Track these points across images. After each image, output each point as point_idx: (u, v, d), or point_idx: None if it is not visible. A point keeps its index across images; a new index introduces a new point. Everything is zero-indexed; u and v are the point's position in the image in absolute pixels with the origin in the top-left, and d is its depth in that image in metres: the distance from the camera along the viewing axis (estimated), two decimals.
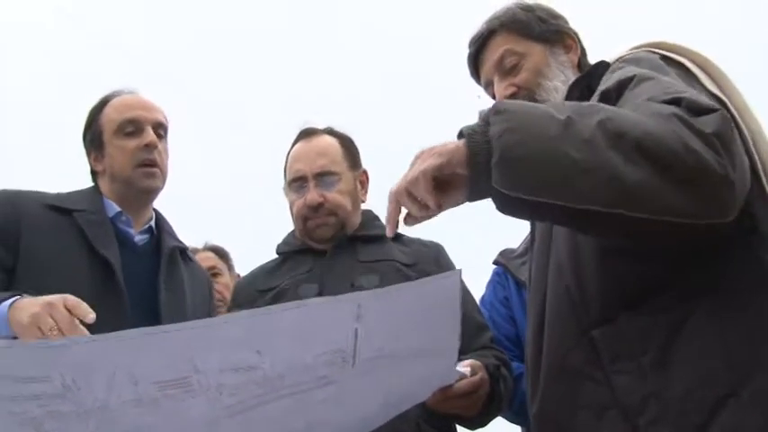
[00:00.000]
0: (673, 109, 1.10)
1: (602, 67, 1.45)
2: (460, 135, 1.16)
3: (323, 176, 1.97)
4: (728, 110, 1.23)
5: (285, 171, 2.07)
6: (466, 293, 1.97)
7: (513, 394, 1.80)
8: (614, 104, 1.22)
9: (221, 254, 3.06)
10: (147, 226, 1.92)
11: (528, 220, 1.50)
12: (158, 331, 1.02)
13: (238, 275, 2.96)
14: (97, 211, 1.84)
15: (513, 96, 1.58)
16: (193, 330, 1.04)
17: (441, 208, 1.19)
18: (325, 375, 1.08)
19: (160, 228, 1.95)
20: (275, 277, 1.97)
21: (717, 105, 1.12)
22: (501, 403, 1.71)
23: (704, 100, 1.13)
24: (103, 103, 1.95)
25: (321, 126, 2.09)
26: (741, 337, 1.15)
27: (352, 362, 1.09)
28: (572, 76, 1.56)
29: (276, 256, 2.09)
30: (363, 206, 2.11)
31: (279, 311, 1.06)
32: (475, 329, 1.86)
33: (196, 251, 3.02)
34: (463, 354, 1.82)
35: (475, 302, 1.99)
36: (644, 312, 1.20)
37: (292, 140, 2.09)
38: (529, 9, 1.63)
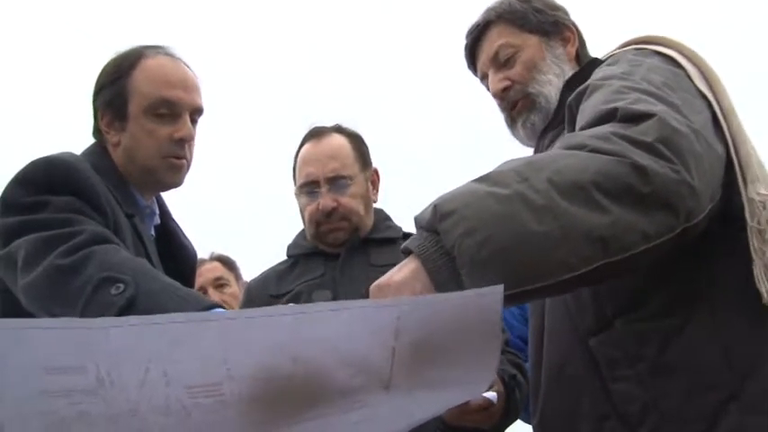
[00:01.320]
0: (609, 128, 1.04)
1: (595, 64, 1.43)
2: (407, 252, 1.04)
3: (335, 180, 1.94)
4: (714, 110, 1.20)
5: (294, 173, 2.04)
6: None
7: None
8: (575, 116, 1.20)
9: (228, 264, 3.04)
10: (155, 215, 1.70)
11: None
12: (198, 319, 0.96)
13: (245, 284, 2.95)
14: (138, 212, 1.60)
15: (506, 90, 1.57)
16: (232, 322, 0.95)
17: None
18: (360, 399, 1.01)
19: (164, 213, 1.73)
20: (287, 281, 1.95)
21: (652, 109, 1.05)
22: (518, 411, 1.70)
23: (638, 106, 1.07)
24: (135, 60, 1.62)
25: (329, 124, 2.06)
26: (739, 337, 1.13)
27: (387, 386, 1.02)
28: (568, 69, 1.55)
29: (286, 257, 2.07)
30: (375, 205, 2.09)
31: (318, 312, 0.99)
32: None
33: (203, 261, 3.02)
34: None
35: None
36: (639, 318, 1.18)
37: (300, 141, 2.05)
38: (526, 0, 1.61)
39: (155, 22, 5.71)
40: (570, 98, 1.26)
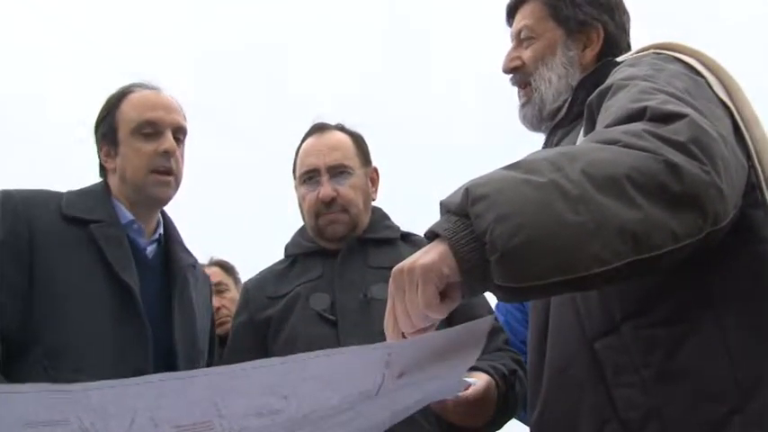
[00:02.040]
0: (641, 125, 1.03)
1: (610, 65, 1.43)
2: (432, 237, 1.02)
3: (336, 169, 1.94)
4: (735, 120, 1.19)
5: (295, 166, 2.04)
6: (480, 296, 1.95)
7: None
8: (595, 115, 1.19)
9: (227, 268, 3.05)
10: (157, 235, 1.83)
11: (532, 300, 1.41)
12: (184, 377, 0.96)
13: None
14: (113, 222, 1.73)
15: (515, 70, 1.58)
16: (221, 375, 0.97)
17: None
18: (348, 408, 1.06)
19: (169, 237, 1.86)
20: (285, 282, 1.93)
21: (683, 110, 1.05)
22: (516, 407, 1.70)
23: (668, 106, 1.06)
24: (122, 95, 1.83)
25: (332, 123, 2.07)
26: (745, 349, 1.11)
27: (375, 394, 1.06)
28: (576, 73, 1.54)
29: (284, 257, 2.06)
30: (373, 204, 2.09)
31: (311, 359, 1.00)
32: (490, 332, 1.84)
33: (202, 266, 3.01)
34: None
35: (488, 304, 1.96)
36: (646, 324, 1.17)
37: (302, 137, 2.06)
38: None
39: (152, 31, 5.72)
40: (591, 96, 1.25)
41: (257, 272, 2.09)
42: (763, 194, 1.16)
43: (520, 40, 1.60)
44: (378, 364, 1.01)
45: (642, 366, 1.16)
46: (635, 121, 1.06)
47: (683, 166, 0.97)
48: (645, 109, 1.06)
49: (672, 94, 1.11)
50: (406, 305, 1.04)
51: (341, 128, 2.05)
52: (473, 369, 1.51)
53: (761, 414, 1.08)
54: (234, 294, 2.89)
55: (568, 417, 1.24)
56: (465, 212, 0.97)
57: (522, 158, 1.03)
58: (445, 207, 1.02)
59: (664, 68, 1.25)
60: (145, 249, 1.78)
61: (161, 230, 1.85)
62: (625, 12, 1.63)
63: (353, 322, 1.79)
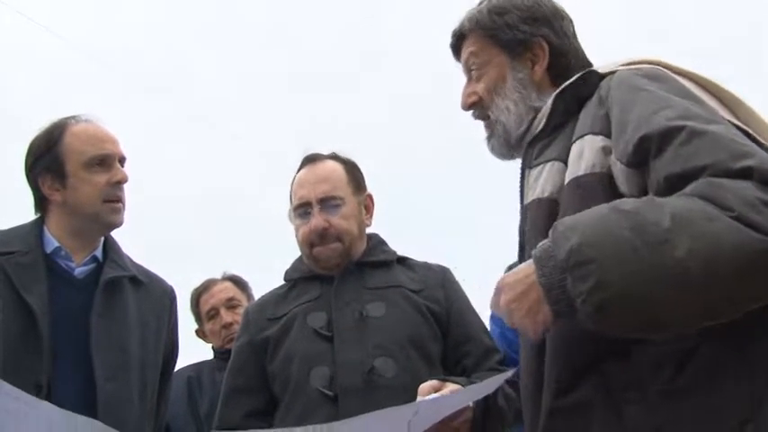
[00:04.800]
0: (754, 192, 1.02)
1: (593, 76, 1.40)
2: (540, 276, 1.13)
3: (326, 201, 1.99)
4: (758, 142, 1.18)
5: (290, 198, 2.10)
6: (473, 315, 2.00)
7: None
8: (654, 152, 1.16)
9: (240, 284, 3.08)
10: (90, 255, 1.96)
11: None
12: None
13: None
14: (30, 250, 1.88)
15: (474, 105, 1.58)
16: None
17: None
18: None
19: (106, 257, 1.98)
20: (284, 305, 2.00)
21: None
22: (502, 419, 1.71)
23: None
24: (62, 128, 1.95)
25: (326, 152, 2.11)
26: (756, 360, 1.11)
27: None
28: (531, 93, 1.52)
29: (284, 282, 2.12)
30: (369, 230, 2.12)
31: (348, 421, 1.22)
32: (483, 352, 1.90)
33: (215, 281, 3.08)
34: (471, 373, 1.82)
35: (483, 324, 2.01)
36: (655, 342, 1.15)
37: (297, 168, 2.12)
38: (501, 12, 1.56)
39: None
40: (648, 131, 1.17)
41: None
42: None
43: (471, 74, 1.59)
44: (402, 421, 1.19)
45: (651, 382, 1.15)
46: (737, 177, 1.05)
47: None
48: (750, 169, 1.04)
49: (746, 138, 1.13)
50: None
51: (333, 156, 2.09)
52: (453, 382, 1.57)
53: None
54: None
55: None
56: (564, 267, 1.08)
57: (637, 212, 1.08)
58: (541, 256, 1.13)
59: (692, 96, 1.24)
60: (73, 271, 1.92)
61: (97, 252, 1.97)
62: (563, 17, 1.59)
63: (349, 338, 1.85)
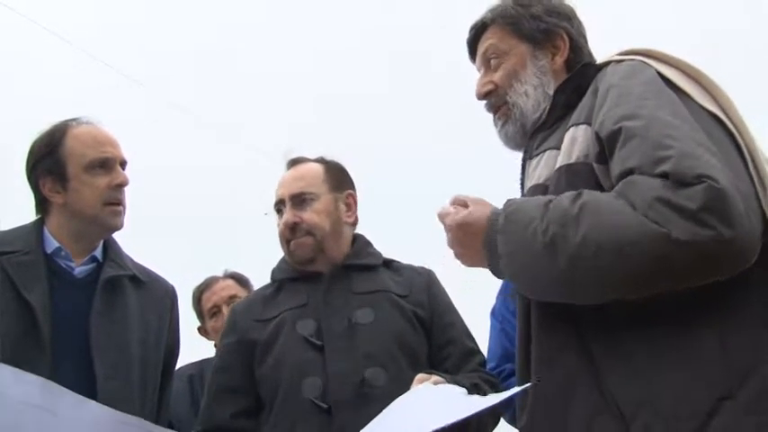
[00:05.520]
0: (657, 192, 1.13)
1: (591, 68, 1.46)
2: (487, 234, 1.33)
3: (297, 197, 2.04)
4: (727, 126, 1.25)
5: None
6: (456, 318, 2.03)
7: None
8: (608, 153, 1.26)
9: (242, 281, 3.08)
10: (89, 256, 1.98)
11: None
12: None
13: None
14: (31, 249, 1.90)
15: (489, 94, 1.61)
16: None
17: None
18: None
19: (105, 256, 2.00)
20: (272, 307, 2.02)
21: (706, 172, 1.12)
22: (480, 422, 1.75)
23: (693, 168, 1.13)
24: (63, 130, 1.97)
25: (312, 157, 2.16)
26: (738, 337, 1.14)
27: None
28: (550, 81, 1.56)
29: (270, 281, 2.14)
30: (357, 230, 2.16)
31: None
32: (464, 354, 1.93)
33: (216, 279, 3.08)
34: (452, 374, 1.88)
35: (465, 327, 2.04)
36: (639, 315, 1.20)
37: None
38: (524, 4, 1.62)
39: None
40: (606, 131, 1.27)
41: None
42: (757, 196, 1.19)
43: (488, 65, 1.62)
44: None
45: (633, 357, 1.18)
46: (656, 176, 1.16)
47: (689, 242, 1.09)
48: (666, 174, 1.14)
49: (692, 139, 1.19)
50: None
51: (319, 160, 2.15)
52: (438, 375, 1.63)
53: (752, 400, 1.10)
54: None
55: (559, 413, 1.25)
56: (496, 232, 1.31)
57: (557, 199, 1.26)
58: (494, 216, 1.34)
59: (658, 86, 1.30)
60: (73, 270, 1.94)
61: (96, 252, 1.99)
62: (580, 22, 1.65)
63: (339, 347, 1.87)
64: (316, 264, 2.03)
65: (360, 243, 2.13)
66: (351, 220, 2.13)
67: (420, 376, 1.63)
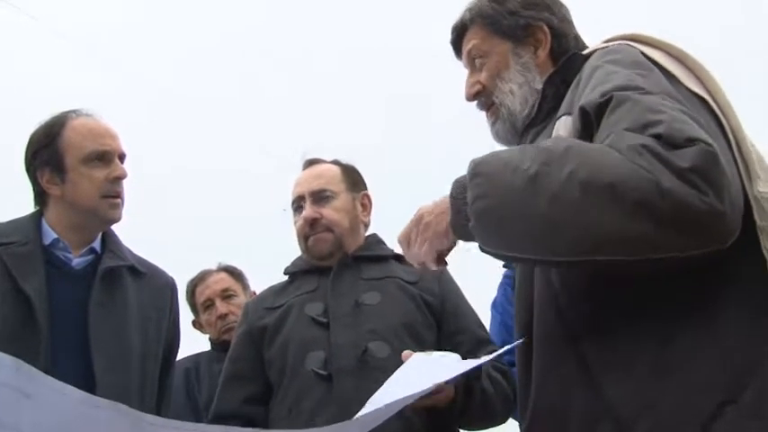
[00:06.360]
0: (644, 140, 1.08)
1: (577, 59, 1.44)
2: (451, 193, 1.26)
3: (318, 194, 2.08)
4: (712, 108, 1.22)
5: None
6: (468, 308, 2.04)
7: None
8: (595, 126, 1.20)
9: (235, 274, 3.07)
10: (88, 247, 1.97)
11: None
12: None
13: (254, 293, 2.98)
14: (29, 241, 1.89)
15: (478, 94, 1.60)
16: None
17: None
18: None
19: (104, 248, 2.00)
20: (283, 296, 2.06)
21: (699, 136, 1.07)
22: (486, 402, 1.78)
23: (685, 131, 1.08)
24: (62, 122, 1.96)
25: (328, 159, 2.22)
26: (738, 340, 1.11)
27: None
28: (535, 76, 1.55)
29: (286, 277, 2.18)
30: (370, 230, 2.20)
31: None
32: (476, 343, 1.94)
33: (210, 272, 3.07)
34: None
35: (477, 318, 2.05)
36: (637, 318, 1.17)
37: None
38: (500, 0, 1.60)
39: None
40: (590, 101, 1.23)
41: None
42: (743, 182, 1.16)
43: (473, 64, 1.62)
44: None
45: (633, 362, 1.15)
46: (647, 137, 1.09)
47: (674, 191, 1.02)
48: (659, 135, 1.08)
49: (680, 110, 1.14)
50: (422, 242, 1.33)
51: (333, 162, 2.20)
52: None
53: (754, 405, 1.07)
54: (242, 300, 2.92)
55: (559, 419, 1.23)
56: (466, 182, 1.20)
57: (535, 146, 1.20)
58: (461, 178, 1.25)
59: (643, 65, 1.27)
60: (71, 262, 1.93)
61: (95, 244, 1.98)
62: (561, 4, 1.63)
63: (344, 324, 1.89)
64: (332, 260, 2.06)
65: (372, 240, 2.17)
66: (366, 219, 2.18)
67: (408, 351, 1.64)
